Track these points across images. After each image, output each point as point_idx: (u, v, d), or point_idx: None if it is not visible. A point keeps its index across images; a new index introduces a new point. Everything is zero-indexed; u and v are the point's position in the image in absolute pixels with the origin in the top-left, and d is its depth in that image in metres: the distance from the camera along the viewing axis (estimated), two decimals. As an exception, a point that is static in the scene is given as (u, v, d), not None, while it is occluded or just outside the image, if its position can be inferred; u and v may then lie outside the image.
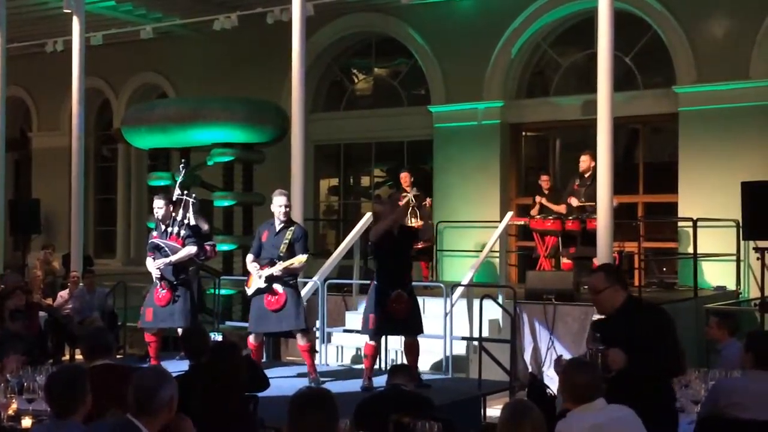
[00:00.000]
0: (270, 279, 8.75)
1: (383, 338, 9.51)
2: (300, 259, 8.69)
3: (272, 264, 8.73)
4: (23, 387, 5.58)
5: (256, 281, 8.81)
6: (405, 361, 8.97)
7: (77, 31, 13.80)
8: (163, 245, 9.41)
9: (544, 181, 12.93)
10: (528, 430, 3.73)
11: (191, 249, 9.45)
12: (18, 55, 17.98)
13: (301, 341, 8.88)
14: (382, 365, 9.83)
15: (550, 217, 12.41)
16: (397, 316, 8.73)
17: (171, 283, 9.36)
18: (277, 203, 8.84)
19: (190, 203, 9.90)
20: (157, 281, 9.42)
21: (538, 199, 12.80)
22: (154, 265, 9.38)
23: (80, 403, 4.21)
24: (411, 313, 8.82)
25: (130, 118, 13.88)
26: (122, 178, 19.36)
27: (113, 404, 4.36)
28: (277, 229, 8.85)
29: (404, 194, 12.79)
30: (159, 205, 9.52)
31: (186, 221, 9.69)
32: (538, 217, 12.64)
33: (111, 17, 15.92)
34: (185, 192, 10.17)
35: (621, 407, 4.35)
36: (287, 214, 8.89)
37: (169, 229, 9.47)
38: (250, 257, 8.98)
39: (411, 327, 8.86)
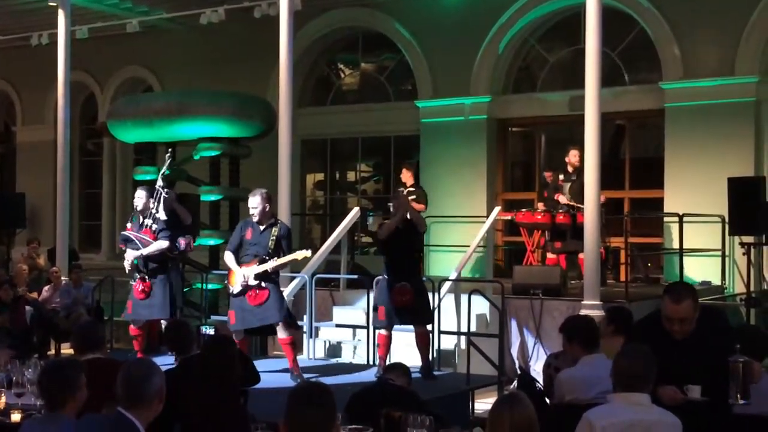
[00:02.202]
0: (259, 276, 8.70)
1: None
2: (305, 254, 8.67)
3: (261, 261, 8.69)
4: (12, 381, 5.55)
5: (242, 279, 8.74)
6: (418, 353, 9.09)
7: (63, 25, 13.72)
8: (133, 237, 9.41)
9: (548, 177, 12.86)
10: (506, 419, 3.72)
11: (162, 243, 9.44)
12: (2, 48, 17.92)
13: (282, 334, 8.83)
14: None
15: (540, 210, 12.41)
16: (403, 307, 8.86)
17: (146, 275, 9.35)
18: (250, 205, 8.77)
19: (162, 196, 9.82)
20: (136, 274, 9.42)
21: (557, 197, 12.28)
22: (127, 258, 9.38)
23: (71, 396, 4.20)
24: (417, 302, 8.95)
25: (115, 112, 13.81)
26: (107, 172, 19.27)
27: (105, 398, 4.35)
28: (262, 227, 8.81)
29: (401, 189, 12.77)
30: (139, 195, 9.52)
31: (158, 215, 9.64)
32: (525, 210, 12.63)
33: (97, 10, 15.84)
34: (161, 185, 10.09)
35: (666, 413, 4.23)
36: (261, 214, 8.73)
37: (147, 221, 9.47)
38: (230, 255, 8.87)
39: (418, 316, 9.01)
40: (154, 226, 9.46)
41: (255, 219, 8.78)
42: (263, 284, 8.70)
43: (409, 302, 8.87)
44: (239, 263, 8.81)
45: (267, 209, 8.80)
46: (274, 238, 8.72)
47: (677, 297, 4.77)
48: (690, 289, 4.94)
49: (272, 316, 8.74)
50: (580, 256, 11.44)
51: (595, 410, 4.16)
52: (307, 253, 8.72)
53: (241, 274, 8.70)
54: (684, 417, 4.29)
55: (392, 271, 9.02)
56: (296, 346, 9.23)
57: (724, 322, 5.09)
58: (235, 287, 8.79)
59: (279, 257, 8.72)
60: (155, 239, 9.43)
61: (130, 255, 9.37)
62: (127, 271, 9.44)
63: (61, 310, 12.17)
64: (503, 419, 3.72)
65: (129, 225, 9.58)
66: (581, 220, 11.30)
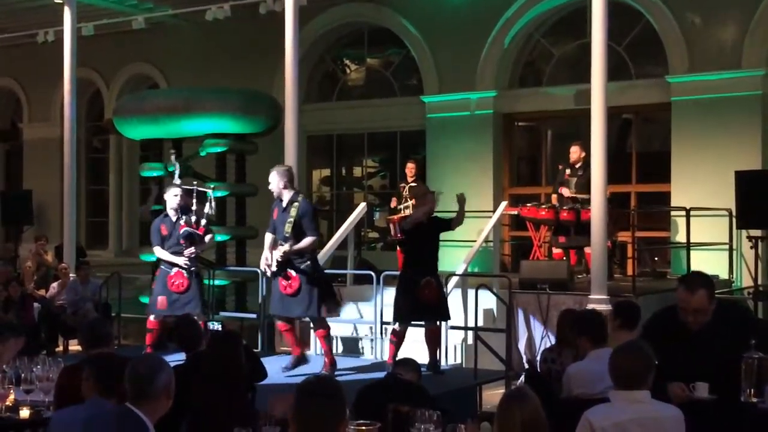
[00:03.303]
0: (282, 263, 8.53)
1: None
2: (283, 249, 8.47)
3: (280, 245, 8.53)
4: (20, 378, 5.56)
5: (265, 263, 8.65)
6: (426, 348, 9.13)
7: (68, 22, 13.74)
8: (194, 234, 9.45)
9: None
10: (517, 417, 3.72)
11: (212, 239, 9.72)
12: (9, 45, 17.95)
13: (315, 327, 8.98)
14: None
15: (544, 206, 12.41)
16: (427, 303, 8.88)
17: (188, 270, 9.37)
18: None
19: (209, 193, 10.10)
20: (170, 269, 9.41)
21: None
22: (186, 254, 9.40)
23: (119, 388, 4.30)
24: (439, 299, 9.00)
25: (121, 109, 13.82)
26: (114, 169, 19.30)
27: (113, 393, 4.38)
28: (284, 205, 8.61)
29: (402, 185, 12.75)
30: (176, 193, 9.56)
31: (210, 211, 9.87)
32: (530, 205, 12.63)
33: (102, 7, 15.85)
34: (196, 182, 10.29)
35: (668, 406, 4.21)
36: (276, 191, 8.60)
37: (191, 218, 9.49)
38: (268, 237, 8.74)
39: (439, 313, 9.07)
40: (203, 221, 9.57)
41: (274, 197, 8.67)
42: (292, 273, 8.52)
43: (433, 297, 8.87)
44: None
45: (284, 186, 8.57)
46: (291, 219, 8.48)
47: (691, 286, 4.62)
48: (705, 279, 4.77)
49: (300, 310, 8.65)
50: (587, 250, 11.44)
51: (594, 410, 4.14)
52: (285, 248, 8.53)
53: (264, 259, 8.61)
54: (694, 415, 4.25)
55: (413, 266, 9.03)
56: (329, 338, 9.12)
57: (743, 317, 4.98)
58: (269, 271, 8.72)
59: (298, 241, 8.50)
60: (204, 234, 9.62)
61: (188, 252, 9.42)
62: (185, 266, 9.41)
63: (69, 306, 12.20)
64: (514, 415, 3.71)
65: (162, 223, 9.54)
66: (585, 216, 11.32)
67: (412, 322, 9.24)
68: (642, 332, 4.88)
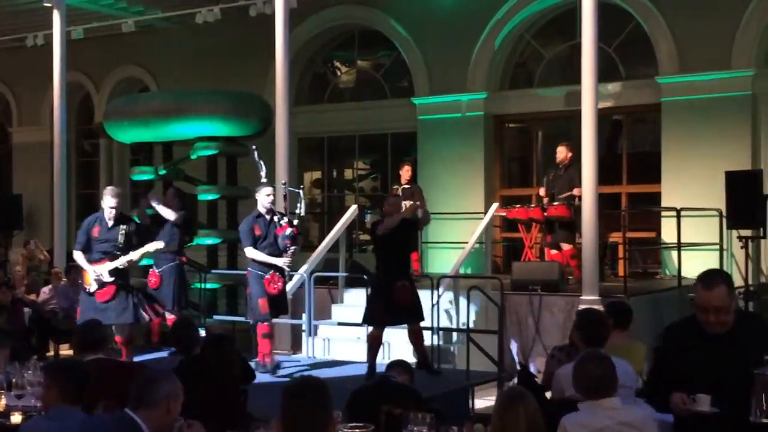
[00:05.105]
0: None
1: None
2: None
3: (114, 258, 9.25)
4: (12, 383, 5.54)
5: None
6: (413, 349, 9.19)
7: (58, 25, 13.72)
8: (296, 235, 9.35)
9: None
10: (522, 416, 3.72)
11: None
12: (-2, 49, 17.90)
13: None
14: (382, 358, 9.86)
15: (531, 206, 12.51)
16: (402, 306, 8.89)
17: (282, 272, 9.29)
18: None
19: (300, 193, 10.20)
20: (265, 271, 9.18)
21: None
22: (290, 254, 9.20)
23: (83, 393, 4.26)
24: (414, 301, 9.01)
25: (112, 113, 13.80)
26: (104, 172, 19.24)
27: (106, 397, 4.36)
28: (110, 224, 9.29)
29: (395, 187, 12.75)
30: (270, 192, 9.39)
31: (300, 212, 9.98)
32: (517, 206, 12.69)
33: (92, 11, 15.82)
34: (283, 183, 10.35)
35: (639, 406, 4.20)
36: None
37: (285, 219, 9.33)
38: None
39: (414, 314, 9.06)
40: (295, 221, 9.45)
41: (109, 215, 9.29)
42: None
43: (408, 300, 8.88)
44: (90, 261, 9.39)
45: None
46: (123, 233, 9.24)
47: (709, 283, 4.28)
48: (724, 275, 4.47)
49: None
50: (565, 248, 11.60)
51: (571, 416, 4.14)
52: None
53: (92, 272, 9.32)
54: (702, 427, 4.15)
55: (387, 270, 9.02)
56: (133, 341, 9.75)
57: (765, 326, 4.65)
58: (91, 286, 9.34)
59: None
60: None
61: (291, 251, 9.23)
62: (287, 269, 9.32)
63: (61, 311, 12.15)
64: (518, 414, 3.73)
65: (255, 223, 9.24)
66: (550, 213, 11.52)
67: (389, 326, 9.26)
68: (662, 341, 4.61)
